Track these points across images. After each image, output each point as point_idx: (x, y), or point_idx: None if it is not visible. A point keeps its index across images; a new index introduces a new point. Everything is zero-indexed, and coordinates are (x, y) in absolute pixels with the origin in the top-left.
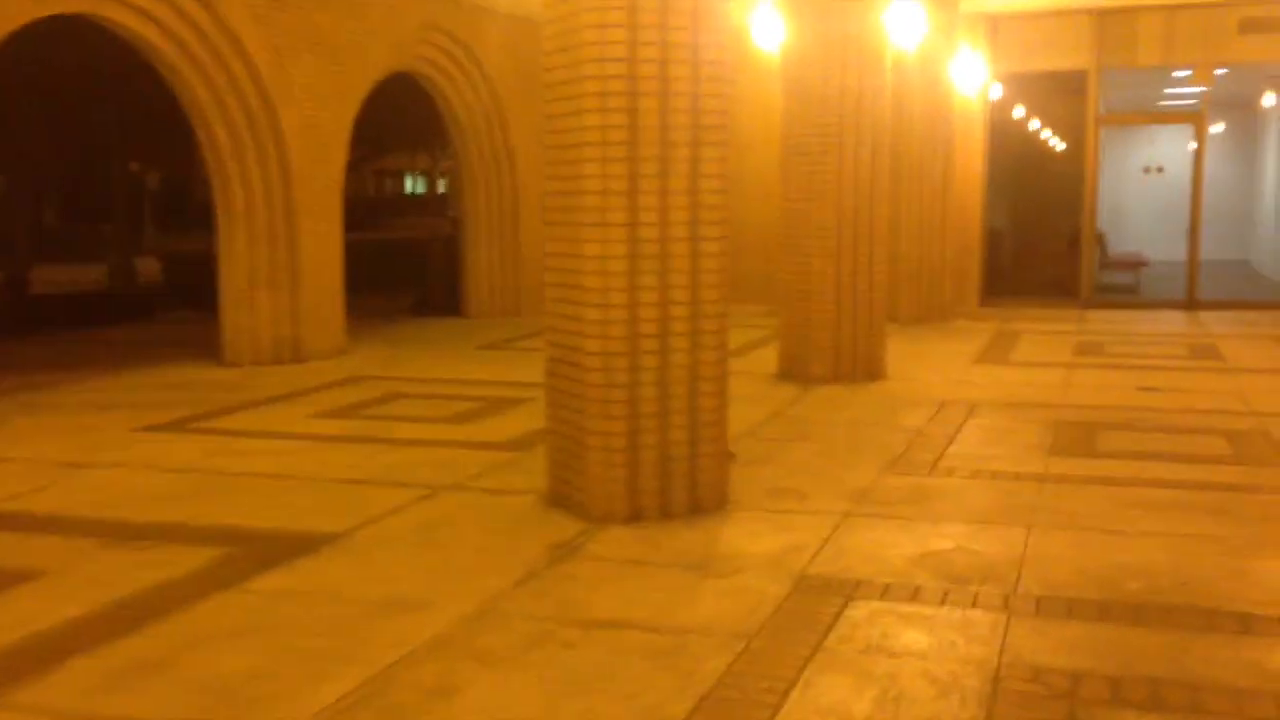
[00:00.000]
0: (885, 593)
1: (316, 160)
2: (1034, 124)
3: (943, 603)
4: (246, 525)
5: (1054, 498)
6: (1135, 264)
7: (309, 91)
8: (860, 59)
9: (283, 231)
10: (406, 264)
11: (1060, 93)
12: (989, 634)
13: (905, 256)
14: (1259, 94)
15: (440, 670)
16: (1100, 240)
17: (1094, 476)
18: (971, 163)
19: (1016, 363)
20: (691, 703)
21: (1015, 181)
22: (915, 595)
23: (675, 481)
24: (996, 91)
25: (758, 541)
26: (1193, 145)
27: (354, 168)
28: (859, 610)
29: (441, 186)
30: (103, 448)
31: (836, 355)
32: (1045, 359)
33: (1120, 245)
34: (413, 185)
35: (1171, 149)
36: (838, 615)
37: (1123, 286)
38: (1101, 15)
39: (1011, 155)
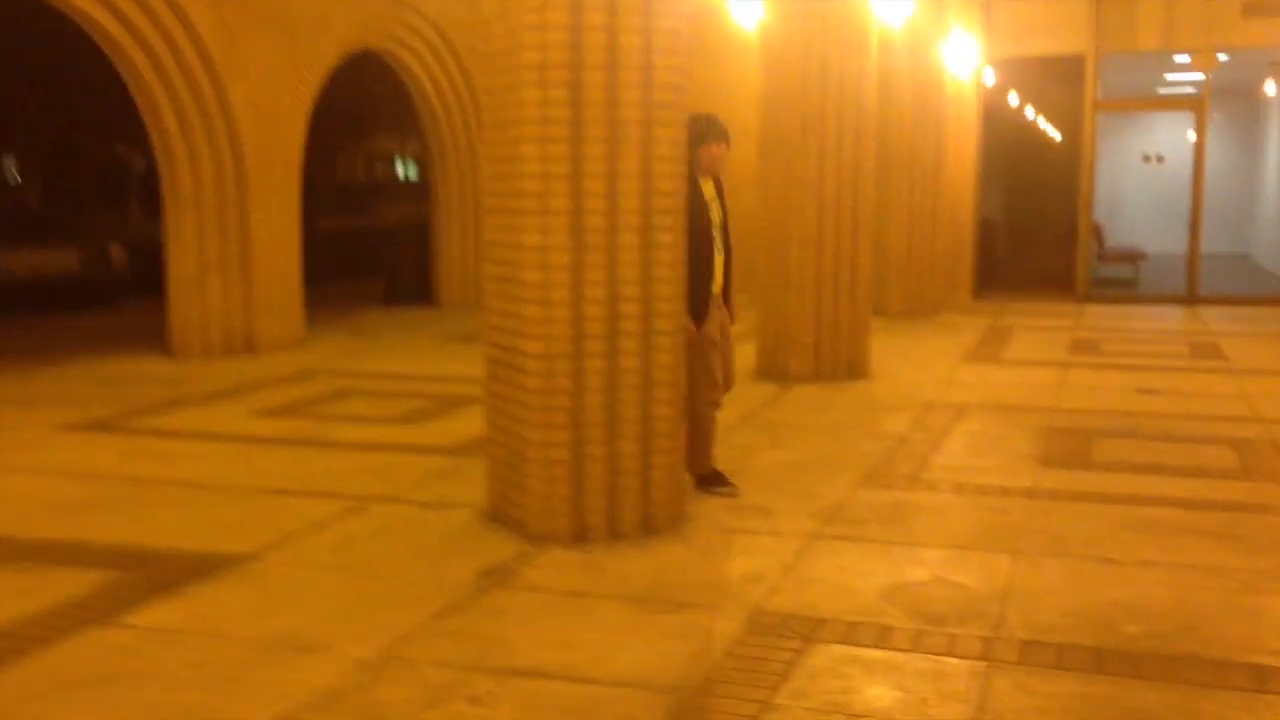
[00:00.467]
0: (850, 634)
1: (272, 141)
2: (1029, 110)
3: (914, 648)
4: (147, 544)
5: (1044, 517)
6: (1134, 257)
7: (263, 69)
8: (842, 36)
9: (234, 216)
10: (381, 251)
11: (1056, 78)
12: (965, 689)
13: (893, 247)
14: (1261, 81)
15: None
16: (1097, 232)
17: (1088, 492)
18: (964, 150)
19: (1009, 361)
20: None
21: (1010, 170)
22: (884, 638)
23: (625, 498)
24: (990, 77)
25: (713, 568)
26: (1192, 134)
27: (341, 150)
28: (818, 657)
29: None
30: (13, 449)
31: (817, 352)
32: (1039, 357)
33: (1118, 237)
34: (404, 170)
35: (1170, 138)
36: (793, 663)
37: (1121, 280)
38: None
39: (1006, 143)
